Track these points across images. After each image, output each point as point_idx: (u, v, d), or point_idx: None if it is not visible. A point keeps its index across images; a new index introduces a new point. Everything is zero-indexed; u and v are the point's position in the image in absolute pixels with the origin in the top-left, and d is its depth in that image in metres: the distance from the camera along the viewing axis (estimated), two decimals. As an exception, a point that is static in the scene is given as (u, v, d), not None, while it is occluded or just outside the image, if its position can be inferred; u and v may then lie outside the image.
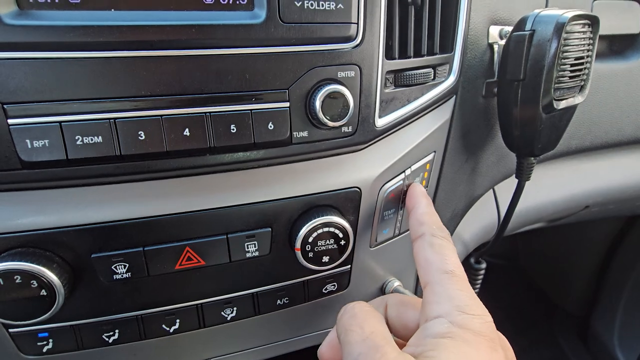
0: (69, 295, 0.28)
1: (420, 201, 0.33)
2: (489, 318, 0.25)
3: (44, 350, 0.31)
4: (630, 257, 1.19)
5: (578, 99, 0.39)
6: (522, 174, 0.44)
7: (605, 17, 0.52)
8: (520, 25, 0.37)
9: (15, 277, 0.26)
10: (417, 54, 0.34)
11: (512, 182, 0.51)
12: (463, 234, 0.55)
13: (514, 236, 0.75)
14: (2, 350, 0.31)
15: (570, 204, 0.65)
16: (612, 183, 0.63)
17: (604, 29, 0.52)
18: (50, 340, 0.31)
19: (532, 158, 0.42)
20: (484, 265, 0.56)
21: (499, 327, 0.26)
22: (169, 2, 0.25)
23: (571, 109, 0.40)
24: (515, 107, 0.38)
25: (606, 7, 0.52)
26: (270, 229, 0.32)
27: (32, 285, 0.26)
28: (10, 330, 0.30)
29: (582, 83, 0.39)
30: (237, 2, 0.26)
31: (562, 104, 0.37)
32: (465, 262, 0.58)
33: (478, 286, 0.57)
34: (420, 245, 0.30)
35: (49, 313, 0.27)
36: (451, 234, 0.52)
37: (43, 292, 0.27)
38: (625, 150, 0.62)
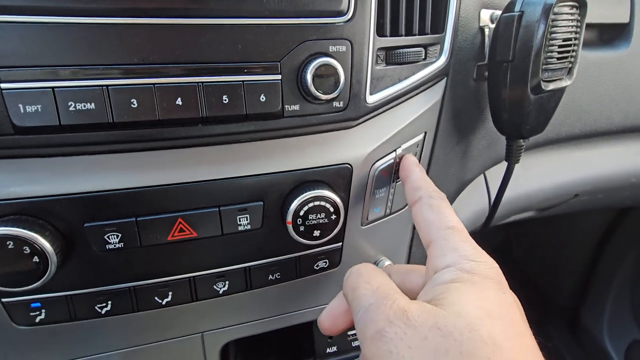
0: (61, 264, 0.28)
1: (414, 169, 0.34)
2: (495, 265, 0.26)
3: (37, 320, 0.32)
4: (619, 250, 1.21)
5: (566, 82, 0.40)
6: (512, 157, 0.45)
7: (596, 6, 0.53)
8: (509, 7, 0.38)
9: (7, 243, 0.26)
10: (409, 32, 0.35)
11: (503, 168, 0.52)
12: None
13: (507, 228, 0.76)
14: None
15: (560, 191, 0.66)
16: (601, 172, 0.64)
17: (594, 17, 0.53)
18: (43, 310, 0.31)
19: (521, 140, 0.43)
20: (474, 250, 0.57)
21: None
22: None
23: (559, 92, 0.41)
24: (504, 88, 0.39)
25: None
26: (262, 203, 0.33)
27: (25, 252, 0.27)
28: (3, 299, 0.31)
29: (570, 65, 0.40)
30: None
31: (551, 86, 0.38)
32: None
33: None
34: (418, 207, 0.30)
35: (41, 281, 0.27)
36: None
37: (35, 259, 0.27)
38: (614, 140, 0.63)
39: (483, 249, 0.27)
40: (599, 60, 0.54)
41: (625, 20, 0.56)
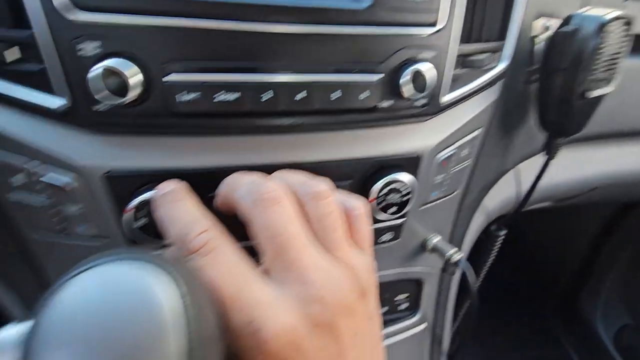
0: None
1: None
2: None
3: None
4: (618, 244, 1.29)
5: (607, 89, 0.45)
6: (551, 152, 0.51)
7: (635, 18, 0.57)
8: (566, 22, 0.43)
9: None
10: (478, 40, 0.40)
11: (531, 161, 0.58)
12: (487, 205, 0.62)
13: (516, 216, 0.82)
14: None
15: (581, 184, 0.72)
16: (621, 168, 0.70)
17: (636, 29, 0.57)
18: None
19: (562, 138, 0.49)
20: (503, 232, 0.64)
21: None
22: (295, -15, 0.30)
23: (600, 98, 0.46)
24: (554, 93, 0.44)
25: (636, 7, 0.57)
26: (350, 182, 0.39)
27: None
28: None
29: (613, 76, 0.45)
30: (346, -12, 0.32)
31: (594, 93, 0.44)
32: (487, 229, 0.65)
33: (496, 250, 0.65)
34: None
35: None
36: (478, 205, 0.59)
37: None
38: (635, 140, 0.69)
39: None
40: (632, 67, 0.59)
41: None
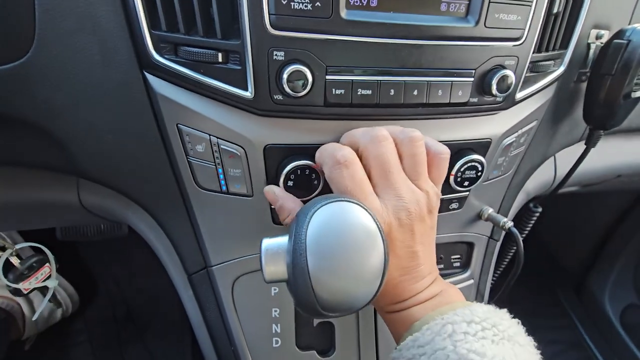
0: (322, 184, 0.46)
1: None
2: None
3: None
4: (630, 230, 1.39)
5: (647, 91, 0.55)
6: (591, 142, 0.61)
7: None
8: (619, 34, 0.52)
9: (300, 169, 0.43)
10: (547, 50, 0.50)
11: (566, 150, 0.68)
12: (527, 185, 0.72)
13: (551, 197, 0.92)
14: (264, 219, 0.49)
15: (607, 172, 0.82)
16: (644, 158, 0.80)
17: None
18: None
19: (602, 130, 0.59)
20: (539, 209, 0.75)
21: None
22: (420, 8, 0.40)
23: (639, 98, 0.56)
24: (602, 92, 0.54)
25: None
26: (436, 160, 0.50)
27: (307, 172, 0.44)
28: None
29: (654, 80, 0.54)
30: (458, 11, 0.41)
31: (637, 94, 0.53)
32: (526, 206, 0.76)
33: (531, 224, 0.76)
34: None
35: (316, 192, 0.45)
36: (523, 185, 0.69)
37: (313, 176, 0.44)
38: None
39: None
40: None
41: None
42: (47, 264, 0.49)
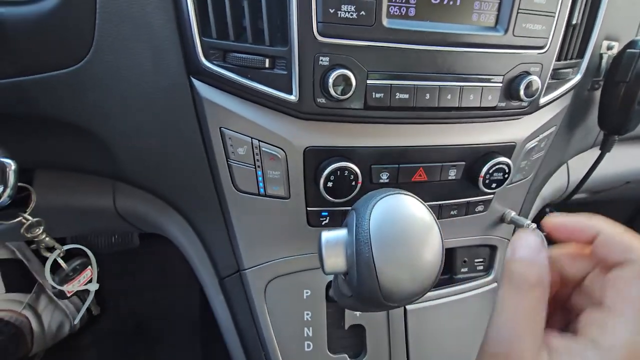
0: (358, 186, 0.47)
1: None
2: None
3: (322, 224, 0.51)
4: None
5: (658, 98, 0.58)
6: (606, 147, 0.63)
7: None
8: (631, 44, 0.55)
9: (344, 171, 0.45)
10: (566, 58, 0.52)
11: (579, 158, 0.70)
12: (543, 191, 0.75)
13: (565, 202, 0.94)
14: (299, 221, 0.51)
15: (616, 178, 0.85)
16: (652, 165, 0.83)
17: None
18: (328, 218, 0.51)
19: (617, 136, 0.61)
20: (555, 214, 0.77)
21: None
22: (454, 18, 0.43)
23: (652, 105, 0.59)
24: (617, 99, 0.56)
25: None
26: (464, 162, 0.51)
27: (346, 174, 0.45)
28: (308, 208, 0.50)
29: (664, 87, 0.57)
30: (488, 21, 0.44)
31: (650, 101, 0.56)
32: (542, 211, 0.78)
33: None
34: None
35: (353, 194, 0.46)
36: (541, 189, 0.71)
37: (351, 177, 0.46)
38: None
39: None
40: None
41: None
42: (89, 267, 0.49)
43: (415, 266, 0.29)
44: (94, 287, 0.49)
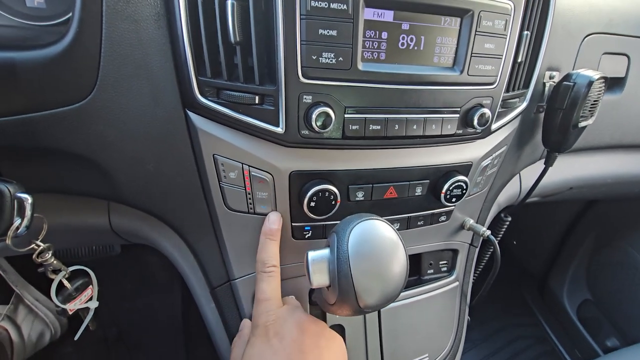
0: (337, 205, 0.53)
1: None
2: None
3: (306, 237, 0.57)
4: (582, 233, 1.57)
5: (590, 121, 0.68)
6: (549, 162, 0.73)
7: (607, 66, 0.80)
8: (567, 77, 0.65)
9: (325, 192, 0.51)
10: (514, 89, 0.61)
11: (529, 168, 0.80)
12: (499, 198, 0.84)
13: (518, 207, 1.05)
14: (284, 234, 0.56)
15: (562, 184, 0.97)
16: (590, 173, 0.94)
17: (606, 73, 0.80)
18: (310, 232, 0.57)
19: (557, 153, 0.71)
20: (509, 219, 0.87)
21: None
22: (418, 60, 0.50)
23: (585, 127, 0.69)
24: (556, 123, 0.66)
25: (608, 59, 0.80)
26: (428, 181, 0.59)
27: (327, 195, 0.52)
28: (293, 223, 0.56)
29: (594, 113, 0.67)
30: (446, 63, 0.51)
31: (582, 124, 0.66)
32: (498, 216, 0.88)
33: (502, 232, 0.88)
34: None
35: (333, 211, 0.53)
36: (496, 198, 0.81)
37: (331, 198, 0.52)
38: (603, 152, 0.93)
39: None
40: (607, 101, 0.82)
41: (622, 75, 0.84)
42: (90, 286, 0.53)
43: (386, 277, 0.36)
44: (94, 304, 0.52)
